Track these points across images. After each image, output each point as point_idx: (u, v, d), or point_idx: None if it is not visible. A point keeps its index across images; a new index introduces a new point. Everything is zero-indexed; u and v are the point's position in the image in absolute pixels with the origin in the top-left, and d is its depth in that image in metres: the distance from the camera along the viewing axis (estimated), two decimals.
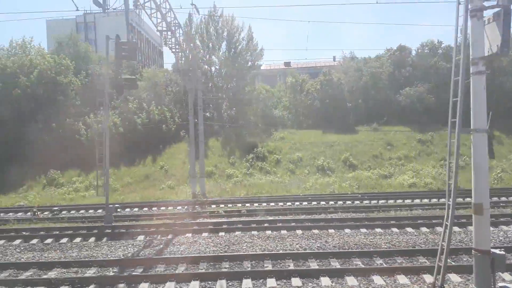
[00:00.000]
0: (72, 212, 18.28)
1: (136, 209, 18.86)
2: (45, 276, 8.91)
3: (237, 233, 12.52)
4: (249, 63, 38.11)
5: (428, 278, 8.14)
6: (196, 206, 18.82)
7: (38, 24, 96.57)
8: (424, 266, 8.67)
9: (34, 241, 12.42)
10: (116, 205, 15.84)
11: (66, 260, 10.10)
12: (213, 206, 18.86)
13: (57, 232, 13.33)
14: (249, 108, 37.46)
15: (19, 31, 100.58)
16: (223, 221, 14.41)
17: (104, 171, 15.06)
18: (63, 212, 18.24)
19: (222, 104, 37.38)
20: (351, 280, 8.21)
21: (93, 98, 33.11)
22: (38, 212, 17.71)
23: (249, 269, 9.13)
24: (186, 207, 18.88)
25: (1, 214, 18.07)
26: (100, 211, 18.36)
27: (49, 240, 12.38)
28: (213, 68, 38.30)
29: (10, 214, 18.41)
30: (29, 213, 18.07)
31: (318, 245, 10.92)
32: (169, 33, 20.55)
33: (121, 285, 8.32)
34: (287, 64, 67.05)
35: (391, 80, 38.05)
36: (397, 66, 38.48)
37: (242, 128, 34.38)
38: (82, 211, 18.37)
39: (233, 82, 38.11)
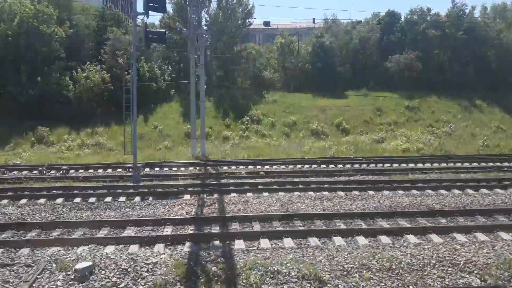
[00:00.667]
0: (81, 171, 17.69)
1: (155, 168, 18.58)
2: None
3: (281, 193, 12.68)
4: (239, 20, 37.10)
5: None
6: (208, 167, 18.74)
7: None
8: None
9: (59, 200, 12.01)
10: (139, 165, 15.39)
11: (139, 218, 9.96)
12: (224, 167, 18.84)
13: (90, 191, 12.93)
14: (238, 69, 36.87)
15: None
16: (255, 182, 14.45)
17: (132, 128, 14.54)
18: (71, 171, 17.61)
19: (211, 64, 36.46)
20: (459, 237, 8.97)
21: (78, 51, 31.68)
22: (45, 171, 17.04)
23: (342, 226, 9.55)
24: (197, 167, 18.77)
25: (7, 172, 17.23)
26: (109, 170, 17.94)
27: (77, 199, 12.03)
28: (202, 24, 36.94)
29: (15, 172, 17.56)
30: (34, 172, 17.34)
31: (374, 205, 11.38)
32: None
33: (216, 241, 8.44)
34: (267, 24, 65.77)
35: (379, 46, 38.40)
36: (385, 31, 38.75)
37: (234, 89, 33.93)
38: (90, 170, 17.82)
39: (222, 40, 37.08)
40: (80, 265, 6.65)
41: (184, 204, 11.40)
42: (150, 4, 13.39)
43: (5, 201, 11.94)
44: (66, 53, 29.99)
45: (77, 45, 31.16)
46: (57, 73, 28.54)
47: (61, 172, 17.18)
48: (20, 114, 27.11)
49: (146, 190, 12.92)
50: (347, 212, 10.58)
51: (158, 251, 7.79)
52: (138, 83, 30.08)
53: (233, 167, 18.84)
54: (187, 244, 8.28)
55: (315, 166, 19.13)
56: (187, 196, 12.35)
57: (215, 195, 12.50)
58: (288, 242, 8.47)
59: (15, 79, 27.46)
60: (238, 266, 7.09)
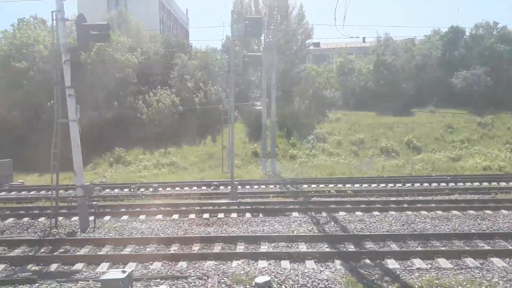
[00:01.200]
0: (168, 189, 18.23)
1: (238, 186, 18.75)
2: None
3: (392, 212, 12.41)
4: (299, 42, 37.54)
5: None
6: (288, 186, 18.72)
7: None
8: None
9: (175, 216, 12.32)
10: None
11: (271, 234, 10.01)
12: (304, 186, 18.74)
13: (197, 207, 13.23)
14: (298, 89, 37.07)
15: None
16: (351, 200, 14.23)
17: (229, 149, 14.89)
18: (159, 189, 18.19)
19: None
20: None
21: (149, 76, 33.24)
22: (140, 189, 17.67)
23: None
24: (277, 185, 18.80)
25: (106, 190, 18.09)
26: (195, 188, 18.33)
27: (192, 215, 12.31)
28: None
29: (107, 190, 18.37)
30: (125, 190, 18.07)
31: (490, 224, 10.88)
32: None
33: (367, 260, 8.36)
34: (316, 44, 66.01)
35: (442, 62, 37.41)
36: (448, 47, 37.75)
37: (296, 108, 34.08)
38: (177, 188, 18.30)
39: (282, 62, 37.60)
40: (260, 279, 6.73)
41: (298, 222, 11.39)
42: (249, 29, 13.93)
43: (125, 217, 12.44)
44: (138, 78, 31.56)
45: (147, 71, 32.68)
46: (131, 97, 30.00)
47: (150, 190, 17.79)
48: (96, 136, 28.57)
49: (249, 207, 13.03)
50: (485, 232, 10.11)
51: (313, 268, 7.82)
52: (205, 105, 31.25)
53: (313, 185, 18.70)
54: (337, 261, 8.21)
55: (400, 185, 18.54)
56: (295, 214, 12.32)
57: (323, 213, 12.37)
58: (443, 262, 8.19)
59: (93, 103, 29.12)
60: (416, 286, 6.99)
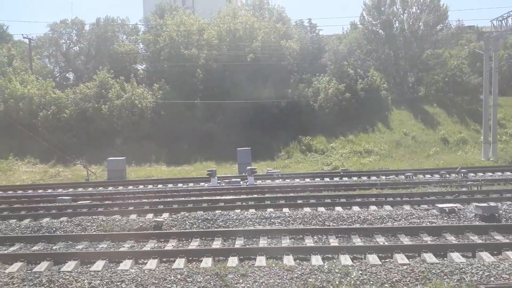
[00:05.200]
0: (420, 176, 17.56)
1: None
2: None
3: None
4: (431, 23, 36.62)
5: None
6: None
7: None
8: None
9: None
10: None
11: None
12: None
13: None
14: (431, 74, 36.35)
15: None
16: None
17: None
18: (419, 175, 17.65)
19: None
20: None
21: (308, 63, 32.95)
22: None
23: None
24: None
25: (363, 178, 17.88)
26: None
27: None
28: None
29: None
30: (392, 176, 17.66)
31: None
32: None
33: None
34: None
35: None
36: None
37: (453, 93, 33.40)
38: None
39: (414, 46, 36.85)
40: None
41: None
42: None
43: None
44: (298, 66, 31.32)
45: (306, 58, 32.41)
46: (300, 85, 29.79)
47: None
48: (271, 125, 28.48)
49: None
50: None
51: None
52: (367, 91, 30.78)
53: None
54: None
55: None
56: None
57: None
58: None
59: (265, 93, 29.02)
60: None
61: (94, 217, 9.89)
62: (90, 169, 22.44)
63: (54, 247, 8.32)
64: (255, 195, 13.54)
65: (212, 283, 6.16)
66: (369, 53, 35.51)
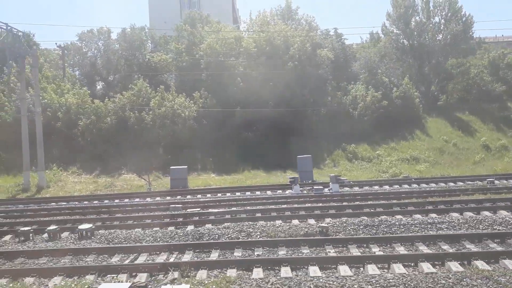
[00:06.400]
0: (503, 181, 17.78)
1: None
2: None
3: None
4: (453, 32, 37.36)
5: None
6: None
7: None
8: None
9: None
10: None
11: None
12: None
13: None
14: (453, 83, 36.96)
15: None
16: None
17: None
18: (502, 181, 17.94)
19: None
20: None
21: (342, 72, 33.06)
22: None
23: None
24: None
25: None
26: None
27: None
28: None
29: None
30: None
31: None
32: None
33: None
34: None
35: None
36: None
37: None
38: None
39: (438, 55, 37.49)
40: None
41: None
42: None
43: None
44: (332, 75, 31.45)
45: (340, 66, 32.58)
46: (338, 93, 29.86)
47: None
48: (311, 133, 28.35)
49: None
50: None
51: None
52: (404, 100, 30.96)
53: None
54: None
55: None
56: None
57: None
58: None
59: (303, 101, 28.98)
60: None
61: (251, 223, 9.55)
62: (144, 178, 21.92)
63: (236, 254, 8.02)
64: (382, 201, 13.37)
65: None
66: (396, 61, 36.02)
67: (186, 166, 20.94)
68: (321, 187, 16.35)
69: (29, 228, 10.41)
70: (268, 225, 9.34)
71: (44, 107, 26.47)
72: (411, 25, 37.13)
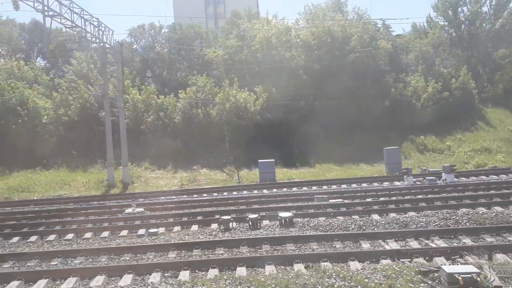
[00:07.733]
0: None
1: None
2: None
3: None
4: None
5: None
6: None
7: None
8: None
9: None
10: None
11: None
12: None
13: None
14: (502, 73, 36.64)
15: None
16: None
17: None
18: None
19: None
20: None
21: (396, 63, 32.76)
22: None
23: None
24: None
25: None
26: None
27: None
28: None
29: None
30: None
31: None
32: None
33: None
34: None
35: None
36: None
37: None
38: None
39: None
40: None
41: None
42: None
43: None
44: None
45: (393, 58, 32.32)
46: (399, 85, 29.60)
47: None
48: (375, 124, 28.06)
49: None
50: None
51: None
52: (463, 91, 30.63)
53: None
54: None
55: None
56: None
57: None
58: None
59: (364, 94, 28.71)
60: None
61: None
62: (226, 172, 21.84)
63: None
64: None
65: None
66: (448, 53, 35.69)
67: (273, 160, 20.77)
68: (434, 177, 16.12)
69: (229, 217, 10.35)
70: (471, 212, 9.23)
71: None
72: (459, 16, 36.88)
